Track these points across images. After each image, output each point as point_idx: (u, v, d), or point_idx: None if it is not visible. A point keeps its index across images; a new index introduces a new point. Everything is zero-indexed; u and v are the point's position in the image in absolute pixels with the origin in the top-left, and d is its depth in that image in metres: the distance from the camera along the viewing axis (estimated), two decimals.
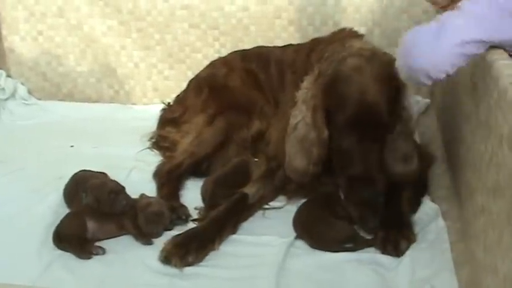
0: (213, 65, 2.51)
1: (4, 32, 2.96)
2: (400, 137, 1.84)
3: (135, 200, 1.84)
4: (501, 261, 1.18)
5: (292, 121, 1.90)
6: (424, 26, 1.58)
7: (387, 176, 1.82)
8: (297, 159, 1.89)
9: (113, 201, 1.79)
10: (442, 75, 1.51)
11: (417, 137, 2.27)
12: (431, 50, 1.50)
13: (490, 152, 1.33)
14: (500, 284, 1.17)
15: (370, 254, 1.71)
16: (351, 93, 1.76)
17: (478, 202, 1.43)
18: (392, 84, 1.76)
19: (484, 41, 1.47)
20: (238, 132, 2.24)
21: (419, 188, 1.98)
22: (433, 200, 1.92)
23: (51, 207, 1.94)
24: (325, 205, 1.85)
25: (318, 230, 1.79)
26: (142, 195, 1.88)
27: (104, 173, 2.07)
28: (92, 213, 1.78)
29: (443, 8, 1.73)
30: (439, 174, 2.03)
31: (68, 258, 1.70)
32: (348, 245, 1.74)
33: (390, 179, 1.83)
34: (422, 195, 1.96)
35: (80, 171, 2.04)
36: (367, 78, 1.76)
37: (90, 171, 2.05)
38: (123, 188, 1.84)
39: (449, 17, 1.53)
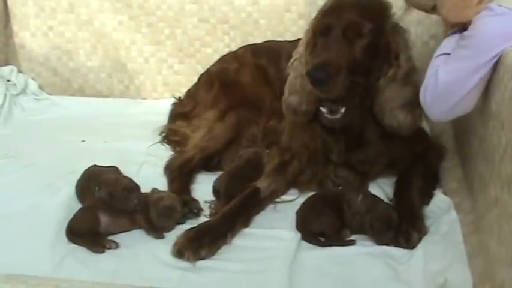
0: (224, 59, 2.52)
1: (15, 28, 2.98)
2: (393, 83, 1.84)
3: (146, 195, 1.84)
4: None
5: (291, 60, 1.98)
6: (425, 84, 1.68)
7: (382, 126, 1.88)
8: (292, 95, 1.97)
9: (125, 198, 1.80)
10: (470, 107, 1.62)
11: (428, 129, 2.27)
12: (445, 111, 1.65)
13: (504, 144, 1.32)
14: None
15: (383, 247, 1.70)
16: (328, 8, 1.86)
17: (492, 194, 1.43)
18: (378, 19, 1.83)
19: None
20: (249, 128, 2.26)
21: (430, 180, 1.97)
22: (445, 193, 1.91)
23: (64, 202, 1.94)
24: (331, 199, 1.85)
25: (304, 215, 1.82)
26: (154, 190, 1.89)
27: (115, 167, 2.08)
28: (105, 207, 1.79)
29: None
30: (450, 166, 2.01)
31: (81, 252, 1.71)
32: (320, 238, 1.75)
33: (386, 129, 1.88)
34: (434, 188, 1.95)
35: (91, 166, 2.05)
36: (348, 2, 1.84)
37: (101, 166, 2.06)
38: (136, 185, 1.85)
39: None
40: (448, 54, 1.65)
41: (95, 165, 2.06)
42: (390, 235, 1.71)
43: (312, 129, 2.00)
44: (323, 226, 1.77)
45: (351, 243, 1.73)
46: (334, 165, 2.03)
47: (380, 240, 1.72)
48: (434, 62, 1.69)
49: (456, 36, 1.68)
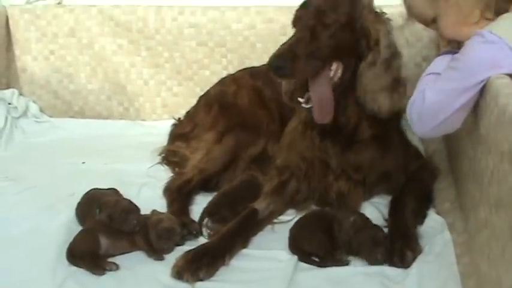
0: (223, 82, 2.56)
1: (17, 52, 3.02)
2: (373, 67, 1.90)
3: (146, 217, 1.88)
4: (504, 274, 1.21)
5: None
6: (412, 99, 1.74)
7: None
8: (285, 84, 2.05)
9: (124, 220, 1.83)
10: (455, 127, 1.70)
11: (422, 150, 2.31)
12: (430, 129, 1.71)
13: (492, 167, 1.36)
14: None
15: (378, 267, 1.73)
16: (302, 2, 1.95)
17: (482, 216, 1.46)
18: (348, 8, 1.89)
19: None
20: (246, 150, 2.29)
21: (424, 200, 2.02)
22: (438, 213, 1.94)
23: (64, 224, 1.96)
24: (323, 219, 1.89)
25: (296, 234, 1.85)
26: (154, 212, 1.92)
27: (114, 189, 2.11)
28: (105, 229, 1.82)
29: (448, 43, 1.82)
30: (444, 187, 2.05)
31: (82, 274, 1.73)
32: (314, 258, 1.79)
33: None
34: (428, 208, 1.99)
35: (92, 189, 2.08)
36: None
37: (101, 189, 2.10)
38: (136, 207, 1.89)
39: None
40: (437, 73, 1.70)
41: (95, 188, 2.09)
42: (379, 252, 1.74)
43: (309, 138, 2.06)
44: (313, 246, 1.80)
45: (345, 263, 1.76)
46: (332, 175, 2.06)
47: (370, 260, 1.75)
48: (423, 79, 1.74)
49: (447, 57, 1.72)
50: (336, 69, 1.91)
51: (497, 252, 1.28)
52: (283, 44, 1.86)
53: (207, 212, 2.00)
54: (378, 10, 1.97)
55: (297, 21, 1.93)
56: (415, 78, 1.88)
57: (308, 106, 1.92)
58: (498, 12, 1.68)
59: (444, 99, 1.61)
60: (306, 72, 1.85)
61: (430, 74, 1.73)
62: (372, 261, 1.75)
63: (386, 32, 1.92)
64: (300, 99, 1.94)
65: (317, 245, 1.80)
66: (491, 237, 1.35)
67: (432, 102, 1.64)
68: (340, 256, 1.79)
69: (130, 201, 1.92)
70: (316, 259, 1.79)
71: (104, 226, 1.84)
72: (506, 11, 1.67)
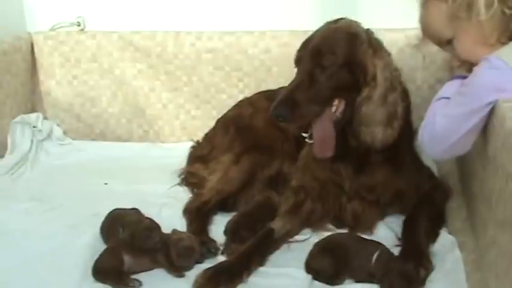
0: (239, 105, 2.64)
1: (41, 77, 3.12)
2: (368, 102, 1.93)
3: (167, 235, 1.95)
4: None
5: None
6: (423, 123, 1.81)
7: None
8: None
9: (146, 237, 1.90)
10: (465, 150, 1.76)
11: (435, 170, 2.37)
12: (441, 152, 1.78)
13: (498, 188, 1.42)
14: None
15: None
16: (304, 41, 2.03)
17: (490, 235, 1.52)
18: (346, 48, 1.94)
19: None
20: (262, 171, 2.35)
21: (436, 220, 2.07)
22: (450, 232, 2.00)
23: (89, 243, 2.03)
24: (341, 242, 1.94)
25: (312, 252, 1.91)
26: (174, 231, 1.99)
27: (136, 209, 2.18)
28: (128, 248, 1.89)
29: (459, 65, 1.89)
30: (455, 206, 2.10)
31: None
32: (319, 278, 1.84)
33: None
34: (440, 227, 2.04)
35: (115, 209, 2.16)
36: (320, 32, 2.00)
37: (124, 209, 2.17)
38: (157, 225, 1.96)
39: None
40: (447, 98, 1.77)
41: (118, 208, 2.17)
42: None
43: (322, 161, 2.09)
44: (322, 266, 1.85)
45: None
46: (346, 197, 2.12)
47: None
48: (434, 104, 1.81)
49: (457, 82, 1.79)
50: (337, 106, 1.96)
51: (503, 270, 1.34)
52: (284, 90, 1.93)
53: (228, 232, 2.06)
54: (376, 39, 2.01)
55: (297, 62, 1.99)
56: (428, 101, 1.93)
57: (311, 141, 1.99)
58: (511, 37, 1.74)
59: (453, 123, 1.68)
60: (307, 117, 1.91)
61: (440, 98, 1.80)
62: None
63: (384, 66, 1.95)
64: (304, 134, 2.00)
65: (325, 265, 1.85)
66: (498, 256, 1.40)
67: (442, 127, 1.71)
68: (340, 281, 1.83)
69: (152, 220, 1.99)
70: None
71: (127, 244, 1.91)
72: None
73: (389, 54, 2.01)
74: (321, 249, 1.92)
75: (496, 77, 1.60)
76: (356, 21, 2.04)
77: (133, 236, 1.91)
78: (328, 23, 2.05)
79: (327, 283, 1.83)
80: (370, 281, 1.81)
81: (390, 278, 1.76)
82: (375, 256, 1.82)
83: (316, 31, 2.04)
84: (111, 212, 2.15)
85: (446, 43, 1.89)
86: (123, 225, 1.97)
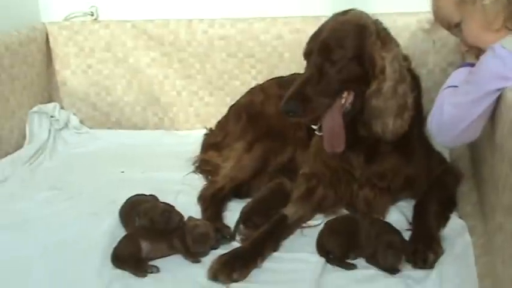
0: (251, 92, 2.66)
1: (57, 67, 3.17)
2: (378, 95, 1.95)
3: (183, 222, 2.00)
4: None
5: None
6: (432, 112, 1.84)
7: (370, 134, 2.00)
8: None
9: (167, 218, 1.96)
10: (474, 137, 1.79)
11: (447, 154, 2.40)
12: (449, 140, 1.83)
13: (505, 174, 1.45)
14: None
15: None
16: (313, 33, 2.04)
17: (497, 220, 1.55)
18: (355, 41, 1.95)
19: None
20: (275, 158, 2.39)
21: (447, 204, 2.10)
22: (460, 216, 2.03)
23: (108, 230, 2.08)
24: (350, 223, 1.99)
25: (321, 233, 1.96)
26: (190, 218, 2.04)
27: (154, 195, 2.24)
28: (145, 234, 1.95)
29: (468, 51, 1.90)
30: (466, 190, 2.13)
31: (127, 277, 1.85)
32: (330, 257, 1.89)
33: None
34: (451, 211, 2.08)
35: (134, 195, 2.21)
36: (329, 25, 2.00)
37: (143, 194, 2.23)
38: (173, 207, 2.03)
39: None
40: (455, 86, 1.79)
41: (135, 195, 2.22)
42: (391, 255, 1.80)
43: None
44: (332, 246, 1.90)
45: (352, 267, 1.85)
46: (357, 183, 2.15)
47: (383, 262, 1.82)
48: (442, 93, 1.83)
49: (465, 70, 1.82)
50: (346, 97, 1.97)
51: (509, 255, 1.37)
52: (294, 85, 1.95)
53: (241, 219, 2.10)
54: (385, 30, 2.02)
55: (308, 56, 2.00)
56: (440, 84, 1.96)
57: (320, 134, 2.01)
58: None
59: (460, 111, 1.71)
60: (317, 111, 1.93)
61: (448, 87, 1.82)
62: (386, 264, 1.81)
63: (393, 58, 1.95)
64: (314, 127, 2.02)
65: (335, 245, 1.90)
66: (505, 241, 1.44)
67: (450, 115, 1.74)
68: (350, 259, 1.88)
69: (167, 203, 2.06)
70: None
71: (145, 231, 1.97)
72: None
73: (397, 45, 2.02)
74: (330, 229, 1.98)
75: (499, 65, 1.62)
76: (365, 12, 2.06)
77: (153, 222, 1.96)
78: (337, 15, 2.07)
79: (337, 262, 1.87)
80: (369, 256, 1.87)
81: (377, 246, 1.82)
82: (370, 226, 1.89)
83: (325, 23, 2.06)
84: (129, 198, 2.20)
85: (455, 27, 1.91)
86: (138, 214, 2.03)
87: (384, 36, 2.00)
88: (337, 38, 1.96)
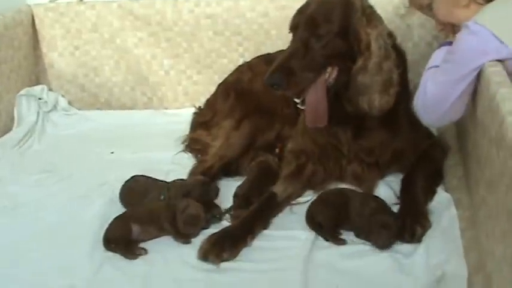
0: (239, 70, 2.67)
1: (44, 50, 3.15)
2: (363, 72, 1.96)
3: (174, 204, 2.00)
4: (496, 247, 1.34)
5: None
6: (417, 93, 1.87)
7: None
8: None
9: (207, 190, 2.06)
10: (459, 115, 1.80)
11: (434, 129, 2.40)
12: (435, 119, 1.86)
13: (486, 150, 1.47)
14: (496, 266, 1.33)
15: None
16: (300, 7, 2.03)
17: (480, 194, 1.58)
18: (342, 16, 1.95)
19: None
20: (263, 135, 2.40)
21: (434, 178, 2.12)
22: (446, 190, 2.05)
23: (99, 212, 2.10)
24: (340, 196, 2.02)
25: (311, 205, 2.00)
26: (175, 182, 2.10)
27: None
28: (135, 217, 1.97)
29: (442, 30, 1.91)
30: (452, 164, 2.15)
31: (117, 259, 1.87)
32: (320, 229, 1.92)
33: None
34: (438, 185, 2.10)
35: (139, 175, 2.22)
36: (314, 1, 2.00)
37: (144, 176, 2.23)
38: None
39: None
40: (437, 66, 1.80)
41: (140, 175, 2.22)
42: (385, 235, 1.83)
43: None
44: (322, 217, 1.93)
45: (342, 242, 1.88)
46: (346, 159, 2.17)
47: (377, 242, 1.84)
48: (425, 73, 1.85)
49: (445, 49, 1.83)
50: (330, 72, 1.98)
51: (491, 228, 1.40)
52: (279, 58, 1.95)
53: (238, 202, 2.11)
54: (370, 7, 2.01)
55: (294, 29, 2.00)
56: (426, 57, 1.97)
57: (303, 108, 2.01)
58: None
59: (443, 90, 1.72)
60: (301, 85, 1.93)
61: (430, 67, 1.83)
62: (378, 244, 1.84)
63: (378, 35, 1.95)
64: (297, 100, 2.02)
65: (325, 217, 1.92)
66: (488, 214, 1.46)
67: (433, 94, 1.75)
68: (339, 233, 1.91)
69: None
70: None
71: (135, 213, 1.99)
72: None
73: (382, 22, 2.02)
74: (321, 201, 2.01)
75: (476, 41, 1.64)
76: None
77: (189, 193, 2.06)
78: None
79: (327, 234, 1.90)
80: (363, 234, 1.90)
81: (372, 225, 1.85)
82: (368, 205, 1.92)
83: None
84: (133, 179, 2.20)
85: (427, 8, 1.93)
86: (169, 187, 2.11)
87: (369, 13, 1.99)
88: (324, 13, 1.95)
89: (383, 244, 1.83)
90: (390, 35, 2.05)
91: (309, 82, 1.95)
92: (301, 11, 2.02)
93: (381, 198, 2.03)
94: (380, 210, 1.92)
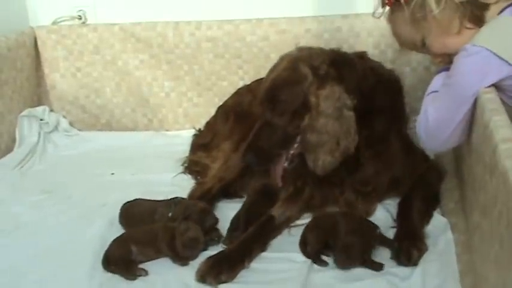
0: (239, 92, 2.70)
1: (46, 71, 3.19)
2: (309, 130, 1.98)
3: (173, 226, 2.01)
4: (490, 272, 1.35)
5: None
6: (419, 119, 1.87)
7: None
8: None
9: (204, 220, 2.06)
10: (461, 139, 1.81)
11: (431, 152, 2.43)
12: (439, 144, 1.86)
13: (480, 175, 1.50)
14: None
15: (386, 266, 1.87)
16: (265, 77, 2.13)
17: (475, 218, 1.60)
18: (297, 88, 1.96)
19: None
20: None
21: (431, 201, 2.13)
22: (443, 214, 2.07)
23: (98, 233, 2.11)
24: (328, 220, 2.03)
25: (304, 230, 2.02)
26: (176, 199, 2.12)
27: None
28: (135, 238, 1.98)
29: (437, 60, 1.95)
30: (449, 188, 2.16)
31: (117, 280, 1.88)
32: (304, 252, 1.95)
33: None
34: (434, 209, 2.11)
35: (137, 199, 2.24)
36: (273, 75, 2.05)
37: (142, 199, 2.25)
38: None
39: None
40: (437, 91, 1.83)
41: (139, 199, 2.25)
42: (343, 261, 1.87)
43: None
44: (308, 239, 1.96)
45: (324, 264, 1.91)
46: (340, 188, 2.18)
47: (336, 261, 1.88)
48: (425, 99, 1.87)
49: (444, 74, 1.85)
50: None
51: (485, 253, 1.42)
52: (250, 136, 2.05)
53: (234, 227, 2.12)
54: (326, 70, 1.98)
55: (260, 104, 2.05)
56: (424, 81, 1.99)
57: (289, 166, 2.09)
58: (476, 20, 1.80)
59: (445, 115, 1.74)
60: (272, 158, 2.03)
61: (430, 93, 1.86)
62: (337, 264, 1.88)
63: (327, 96, 1.94)
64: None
65: (312, 239, 1.95)
66: (482, 239, 1.48)
67: (435, 120, 1.77)
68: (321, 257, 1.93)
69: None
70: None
71: (135, 234, 2.00)
72: (482, 18, 1.80)
73: (339, 83, 1.97)
74: (312, 224, 2.03)
75: (476, 62, 1.66)
76: (307, 49, 2.09)
77: (188, 217, 2.05)
78: (284, 56, 2.10)
79: (310, 255, 1.92)
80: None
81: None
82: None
83: (273, 66, 2.10)
84: (130, 203, 2.22)
85: (421, 46, 1.95)
86: (176, 203, 2.14)
87: (323, 75, 1.97)
88: (277, 93, 1.98)
89: (340, 265, 1.87)
90: (346, 97, 1.97)
91: (278, 154, 2.03)
92: (263, 91, 2.05)
93: (372, 222, 2.04)
94: (350, 231, 1.93)
